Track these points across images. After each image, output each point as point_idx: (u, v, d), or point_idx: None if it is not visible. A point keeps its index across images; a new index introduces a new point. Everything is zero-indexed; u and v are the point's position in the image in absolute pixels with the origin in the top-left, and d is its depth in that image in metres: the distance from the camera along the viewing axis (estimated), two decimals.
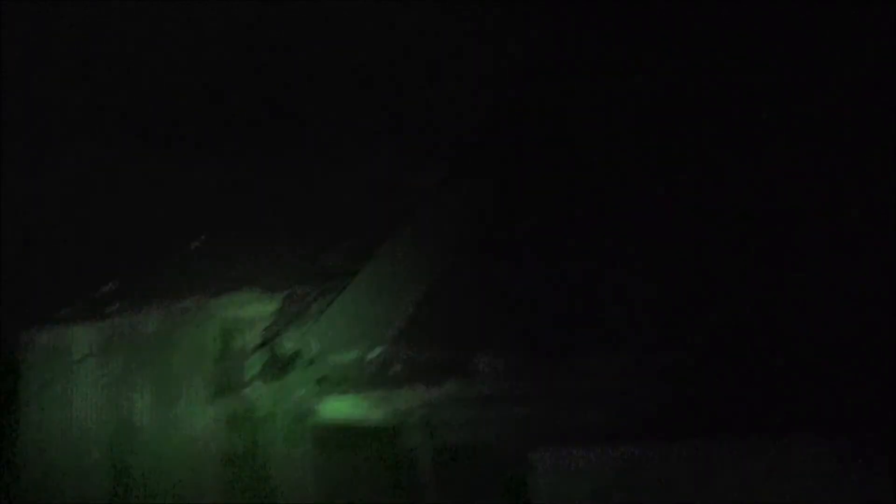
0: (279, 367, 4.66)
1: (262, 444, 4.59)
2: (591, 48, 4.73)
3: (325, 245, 4.80)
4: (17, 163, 4.71)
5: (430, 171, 4.72)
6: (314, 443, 4.60)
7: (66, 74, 4.57)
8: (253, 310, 4.69)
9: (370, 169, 4.74)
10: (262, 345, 4.67)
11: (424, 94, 4.68)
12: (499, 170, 4.75)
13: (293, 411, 4.63)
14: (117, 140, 4.66)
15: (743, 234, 4.62)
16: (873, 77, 4.53)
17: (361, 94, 4.69)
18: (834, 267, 4.51)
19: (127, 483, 4.56)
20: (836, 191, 4.54)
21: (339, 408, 4.65)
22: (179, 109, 4.64)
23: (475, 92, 4.70)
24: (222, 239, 4.83)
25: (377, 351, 4.67)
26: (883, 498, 4.26)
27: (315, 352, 4.66)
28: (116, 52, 4.61)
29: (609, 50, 4.70)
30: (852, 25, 4.55)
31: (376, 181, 4.72)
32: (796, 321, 4.49)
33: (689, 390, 4.49)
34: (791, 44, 4.63)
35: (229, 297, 4.68)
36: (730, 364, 4.46)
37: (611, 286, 4.65)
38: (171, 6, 4.56)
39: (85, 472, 4.60)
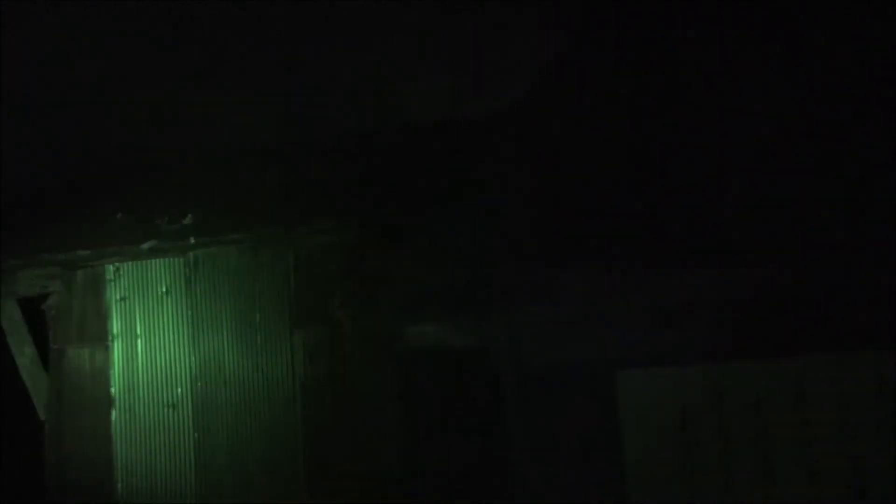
0: (363, 293, 4.59)
1: (347, 371, 4.55)
2: None
3: (405, 167, 4.72)
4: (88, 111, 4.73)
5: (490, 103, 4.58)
6: (400, 368, 4.53)
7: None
8: (333, 237, 4.62)
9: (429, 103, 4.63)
10: (345, 271, 4.60)
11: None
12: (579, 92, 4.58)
13: (378, 337, 4.56)
14: (176, 82, 4.63)
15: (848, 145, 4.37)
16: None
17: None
18: None
19: (208, 419, 4.58)
20: None
21: (425, 332, 4.56)
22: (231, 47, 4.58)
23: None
24: (295, 168, 4.78)
25: (462, 275, 4.56)
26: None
27: (399, 277, 4.57)
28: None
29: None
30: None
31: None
32: None
33: (785, 305, 4.26)
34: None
35: (308, 226, 4.62)
36: (830, 278, 4.21)
37: (703, 199, 4.45)
38: None
39: (172, 405, 4.63)
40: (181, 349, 4.66)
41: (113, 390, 4.69)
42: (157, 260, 4.72)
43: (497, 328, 4.56)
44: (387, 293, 4.60)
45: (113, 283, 4.74)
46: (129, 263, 4.74)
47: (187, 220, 4.72)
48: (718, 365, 4.27)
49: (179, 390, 4.63)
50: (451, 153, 4.79)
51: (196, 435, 4.58)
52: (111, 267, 4.75)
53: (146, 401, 4.66)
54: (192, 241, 4.68)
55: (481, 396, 4.55)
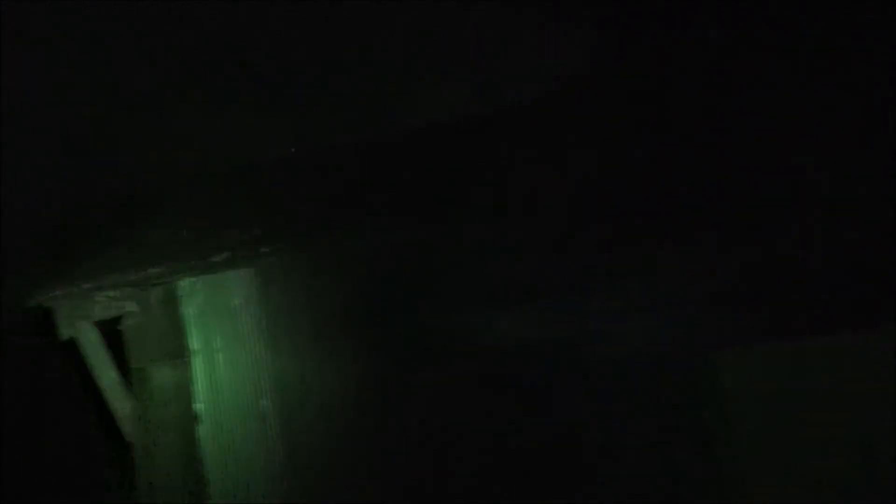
0: (434, 289, 4.59)
1: (422, 370, 4.55)
2: None
3: (454, 161, 4.67)
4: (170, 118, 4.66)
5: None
6: (472, 368, 4.53)
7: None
8: (396, 236, 4.60)
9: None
10: (413, 269, 4.59)
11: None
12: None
13: (449, 334, 4.56)
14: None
15: None
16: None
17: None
18: None
19: (295, 429, 4.59)
20: None
21: (494, 327, 4.55)
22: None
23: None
24: (342, 172, 4.74)
25: (531, 260, 4.53)
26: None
27: (464, 270, 4.55)
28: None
29: None
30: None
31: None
32: None
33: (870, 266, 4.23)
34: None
35: (369, 228, 4.60)
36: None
37: (757, 173, 4.40)
38: None
39: (259, 418, 4.64)
40: (263, 360, 4.67)
41: (197, 406, 4.69)
42: (231, 272, 4.72)
43: (567, 317, 4.54)
44: (455, 287, 4.59)
45: (188, 299, 4.74)
46: (203, 278, 4.73)
47: (256, 231, 4.71)
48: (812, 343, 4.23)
49: (265, 402, 4.64)
50: (497, 141, 4.74)
51: (286, 446, 4.59)
52: (185, 282, 4.75)
53: (232, 414, 4.67)
54: (263, 250, 4.67)
55: (551, 394, 4.54)
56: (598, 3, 4.43)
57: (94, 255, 4.83)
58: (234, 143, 4.74)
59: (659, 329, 4.35)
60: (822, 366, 4.19)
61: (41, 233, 4.69)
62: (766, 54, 4.30)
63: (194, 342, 4.72)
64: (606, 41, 4.40)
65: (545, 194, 4.44)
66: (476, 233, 4.48)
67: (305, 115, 4.64)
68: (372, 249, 4.57)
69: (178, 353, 4.73)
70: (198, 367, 4.70)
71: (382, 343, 4.54)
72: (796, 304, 4.28)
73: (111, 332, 4.80)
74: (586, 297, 4.37)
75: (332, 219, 4.66)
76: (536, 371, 4.47)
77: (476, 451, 4.41)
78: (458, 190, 4.54)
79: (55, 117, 4.69)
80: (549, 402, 4.41)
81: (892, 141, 4.13)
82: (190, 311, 4.73)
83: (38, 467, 4.74)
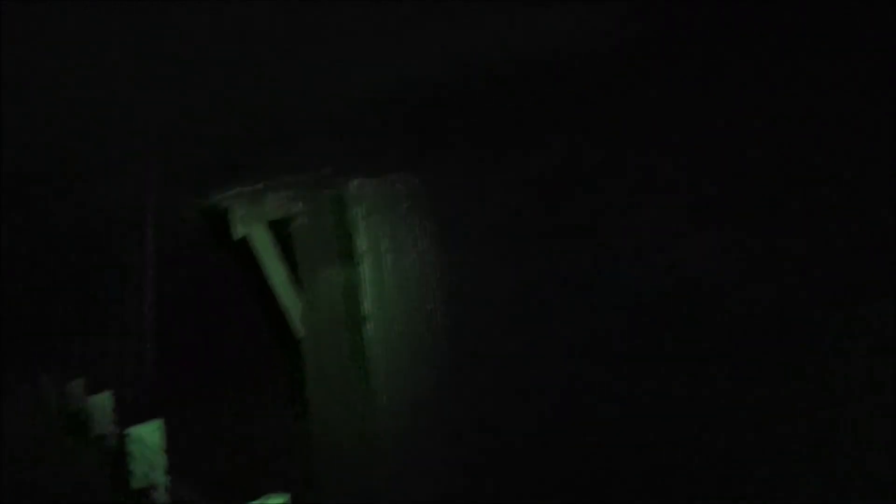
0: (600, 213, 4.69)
1: (592, 288, 4.67)
2: None
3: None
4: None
5: None
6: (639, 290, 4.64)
7: None
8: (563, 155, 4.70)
9: None
10: (582, 191, 4.69)
11: None
12: None
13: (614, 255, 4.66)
14: None
15: None
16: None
17: None
18: None
19: (461, 332, 4.73)
20: None
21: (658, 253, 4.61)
22: None
23: None
24: (528, 91, 4.82)
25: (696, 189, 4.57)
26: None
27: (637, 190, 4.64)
28: None
29: None
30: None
31: None
32: None
33: None
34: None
35: (536, 145, 4.70)
36: None
37: None
38: None
39: (422, 322, 4.79)
40: (429, 264, 4.80)
41: (365, 306, 4.84)
42: (398, 176, 4.82)
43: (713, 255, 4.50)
44: (622, 210, 4.67)
45: (356, 201, 4.85)
46: (371, 180, 4.84)
47: (422, 138, 4.81)
48: None
49: (431, 304, 4.78)
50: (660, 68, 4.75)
51: (451, 350, 4.75)
52: (353, 184, 4.85)
53: (399, 316, 4.82)
54: (429, 157, 4.77)
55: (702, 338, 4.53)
56: None
57: (265, 156, 4.94)
58: (395, 60, 4.81)
59: (811, 275, 4.32)
60: None
61: (218, 135, 4.81)
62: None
63: (362, 244, 4.84)
64: None
65: (710, 122, 4.47)
66: (640, 156, 4.54)
67: (471, 34, 4.69)
68: (541, 165, 4.66)
69: (347, 254, 4.86)
70: (366, 268, 4.84)
71: (551, 255, 4.64)
72: None
73: (282, 232, 4.93)
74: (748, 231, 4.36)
75: (502, 130, 4.75)
76: (691, 304, 4.52)
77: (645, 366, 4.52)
78: (624, 115, 4.59)
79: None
80: (711, 336, 4.43)
81: None
82: (358, 213, 4.85)
83: (210, 359, 4.93)
